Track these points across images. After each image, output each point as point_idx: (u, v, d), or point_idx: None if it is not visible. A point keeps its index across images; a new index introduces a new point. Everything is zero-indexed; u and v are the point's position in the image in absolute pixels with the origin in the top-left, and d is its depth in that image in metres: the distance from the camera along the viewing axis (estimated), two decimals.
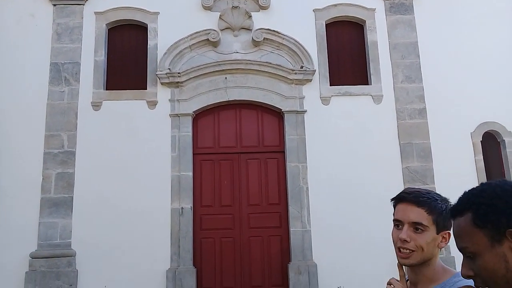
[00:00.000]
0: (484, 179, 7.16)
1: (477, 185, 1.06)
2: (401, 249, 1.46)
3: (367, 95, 7.59)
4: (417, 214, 1.44)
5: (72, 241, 6.85)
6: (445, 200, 1.50)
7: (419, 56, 7.73)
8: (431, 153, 7.33)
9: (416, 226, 1.44)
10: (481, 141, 7.46)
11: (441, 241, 1.47)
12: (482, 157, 7.36)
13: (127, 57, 7.76)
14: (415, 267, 1.48)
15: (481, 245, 0.96)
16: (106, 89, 7.50)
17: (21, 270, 6.65)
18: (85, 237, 6.82)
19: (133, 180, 7.06)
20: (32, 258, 6.73)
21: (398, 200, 1.51)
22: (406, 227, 1.46)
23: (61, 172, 7.06)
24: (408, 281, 1.54)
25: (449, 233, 1.44)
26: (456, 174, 6.88)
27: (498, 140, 7.61)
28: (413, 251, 1.44)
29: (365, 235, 6.85)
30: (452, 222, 1.06)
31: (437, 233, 1.45)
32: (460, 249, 1.01)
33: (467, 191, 1.05)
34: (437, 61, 7.68)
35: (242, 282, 6.98)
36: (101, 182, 7.02)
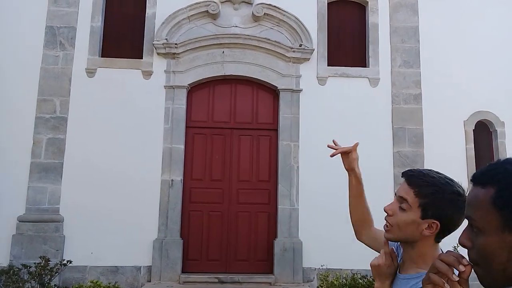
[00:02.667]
0: (473, 168, 7.20)
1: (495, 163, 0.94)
2: (386, 221, 1.45)
3: (364, 77, 7.55)
4: (405, 191, 1.41)
5: (61, 207, 6.86)
6: (446, 191, 1.35)
7: (419, 41, 7.67)
8: (423, 139, 7.34)
9: (402, 203, 1.41)
10: (473, 130, 7.48)
11: (426, 229, 1.36)
12: (473, 145, 7.39)
13: (124, 25, 7.63)
14: (403, 244, 1.46)
15: (491, 225, 0.88)
16: (102, 56, 7.39)
17: (9, 233, 6.66)
18: (73, 203, 6.82)
19: (124, 150, 7.03)
20: (20, 221, 6.74)
21: (402, 175, 1.49)
22: (394, 200, 1.45)
23: (52, 138, 7.02)
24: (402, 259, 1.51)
25: (437, 224, 1.36)
26: (446, 161, 6.84)
27: (491, 130, 7.63)
28: (392, 226, 1.42)
29: None
30: (471, 186, 0.96)
31: (422, 218, 1.36)
32: (468, 217, 0.94)
33: (500, 161, 0.92)
34: (436, 47, 7.61)
35: (228, 255, 7.05)
36: (92, 150, 6.99)
